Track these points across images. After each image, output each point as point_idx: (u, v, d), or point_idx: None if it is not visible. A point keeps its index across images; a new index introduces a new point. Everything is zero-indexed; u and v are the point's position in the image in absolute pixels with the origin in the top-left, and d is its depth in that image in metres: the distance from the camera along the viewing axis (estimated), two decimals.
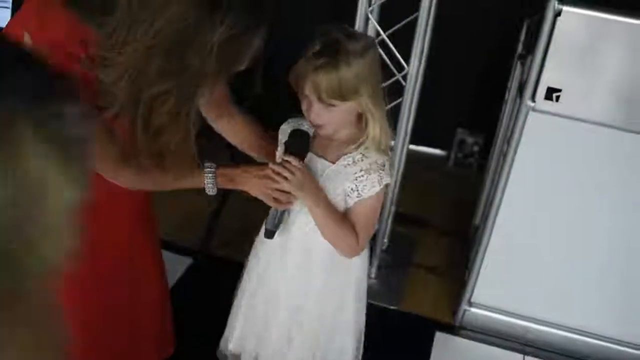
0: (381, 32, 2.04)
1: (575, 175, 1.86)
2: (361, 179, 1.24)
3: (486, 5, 2.80)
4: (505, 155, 1.94)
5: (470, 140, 3.14)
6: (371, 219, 1.31)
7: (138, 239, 1.64)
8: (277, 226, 1.32)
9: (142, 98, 1.06)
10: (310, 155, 1.28)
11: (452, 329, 2.17)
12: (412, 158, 2.40)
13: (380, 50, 2.11)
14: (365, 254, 1.44)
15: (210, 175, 1.32)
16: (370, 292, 2.36)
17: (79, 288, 1.60)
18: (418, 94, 2.13)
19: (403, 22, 2.04)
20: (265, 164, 1.29)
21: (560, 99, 1.74)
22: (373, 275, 2.37)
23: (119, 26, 1.03)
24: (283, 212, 1.32)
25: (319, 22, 3.36)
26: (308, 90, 1.18)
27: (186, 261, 2.29)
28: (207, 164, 1.32)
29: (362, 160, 1.25)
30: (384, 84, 2.10)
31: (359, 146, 1.24)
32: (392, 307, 2.26)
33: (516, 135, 1.83)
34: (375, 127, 1.22)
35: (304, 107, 1.23)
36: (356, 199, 1.26)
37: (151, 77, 1.03)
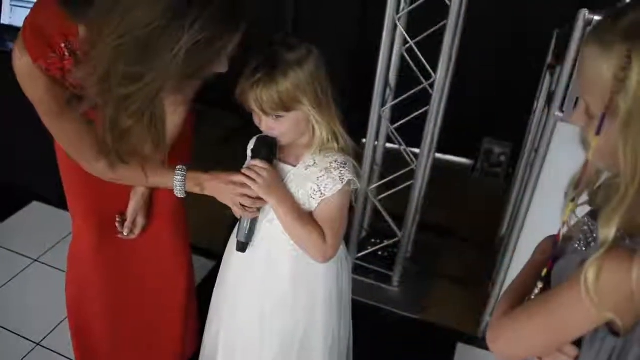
0: (409, 39, 2.04)
1: None
2: (322, 178, 1.25)
3: (515, 14, 2.78)
4: (532, 166, 1.91)
5: (497, 149, 3.12)
6: (337, 219, 1.28)
7: (171, 241, 1.66)
8: (249, 238, 1.31)
9: (110, 99, 1.06)
10: (275, 161, 1.29)
11: (475, 341, 2.14)
12: (438, 167, 2.38)
13: (408, 58, 2.12)
14: (338, 263, 1.40)
15: (179, 178, 1.33)
16: (393, 301, 2.38)
17: (108, 278, 1.63)
18: (445, 102, 2.12)
19: (431, 30, 2.03)
20: (233, 171, 1.29)
21: None
22: (396, 284, 2.36)
23: (95, 22, 1.03)
24: (254, 223, 1.31)
25: (347, 29, 3.33)
26: (252, 105, 1.20)
27: (209, 264, 2.32)
28: (178, 167, 1.33)
29: (322, 160, 1.26)
30: (411, 92, 2.11)
31: (316, 149, 1.26)
32: (414, 317, 2.25)
33: (544, 146, 1.81)
34: (322, 131, 1.24)
35: (256, 121, 1.25)
36: (320, 199, 1.26)
37: (117, 78, 1.02)
